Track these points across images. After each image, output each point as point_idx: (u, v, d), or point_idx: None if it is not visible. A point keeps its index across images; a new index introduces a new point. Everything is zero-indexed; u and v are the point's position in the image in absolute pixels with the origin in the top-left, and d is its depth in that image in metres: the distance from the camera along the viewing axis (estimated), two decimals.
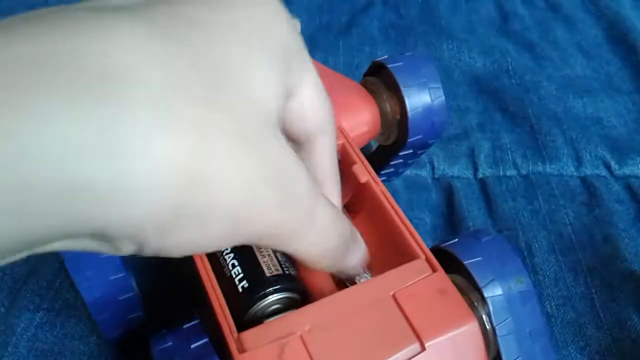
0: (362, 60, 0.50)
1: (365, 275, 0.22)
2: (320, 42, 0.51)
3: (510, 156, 0.41)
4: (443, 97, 0.28)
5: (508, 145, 0.42)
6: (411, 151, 0.30)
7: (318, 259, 0.19)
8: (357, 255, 0.21)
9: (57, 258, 0.33)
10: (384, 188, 0.23)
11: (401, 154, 0.30)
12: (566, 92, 0.47)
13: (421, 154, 0.32)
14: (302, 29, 0.60)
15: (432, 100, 0.28)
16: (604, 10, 0.56)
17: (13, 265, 0.33)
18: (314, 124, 0.20)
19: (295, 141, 0.21)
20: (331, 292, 0.21)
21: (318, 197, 0.18)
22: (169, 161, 0.13)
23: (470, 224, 0.36)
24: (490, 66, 0.50)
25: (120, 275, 0.25)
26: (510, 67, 0.49)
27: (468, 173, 0.40)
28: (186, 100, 0.13)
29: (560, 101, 0.46)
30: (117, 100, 0.12)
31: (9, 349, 0.29)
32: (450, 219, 0.37)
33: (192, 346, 0.20)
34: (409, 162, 0.33)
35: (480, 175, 0.40)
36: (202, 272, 0.21)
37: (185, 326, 0.21)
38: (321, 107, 0.20)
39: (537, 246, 0.35)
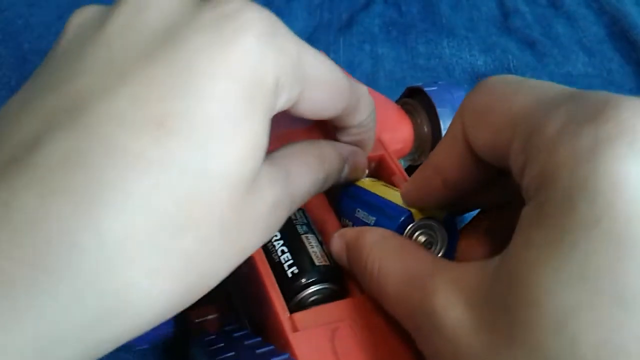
0: (362, 58, 0.50)
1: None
2: (321, 40, 0.51)
3: None
4: None
5: None
6: None
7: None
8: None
9: None
10: None
11: None
12: None
13: None
14: (302, 27, 0.59)
15: None
16: (606, 6, 0.56)
17: None
18: (333, 111, 0.20)
19: None
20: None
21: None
22: (164, 297, 0.15)
23: None
24: (492, 64, 0.50)
25: None
26: (511, 65, 0.49)
27: None
28: (161, 240, 0.14)
29: None
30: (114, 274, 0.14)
31: None
32: None
33: (235, 335, 0.21)
34: None
35: None
36: (257, 259, 0.21)
37: (226, 328, 0.22)
38: (339, 96, 0.20)
39: None
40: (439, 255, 0.22)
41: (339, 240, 0.22)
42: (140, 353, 0.28)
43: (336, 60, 0.49)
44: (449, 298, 0.16)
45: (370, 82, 0.47)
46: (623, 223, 0.13)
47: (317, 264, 0.22)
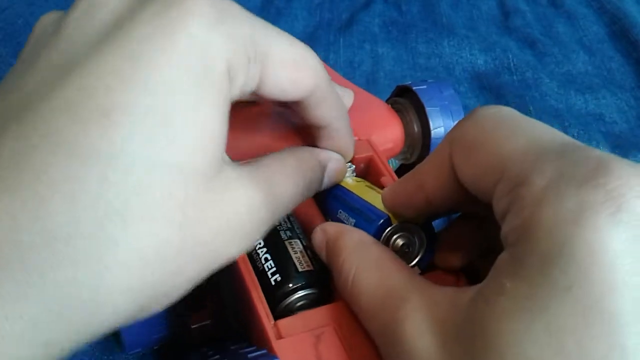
0: (363, 58, 0.50)
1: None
2: (321, 40, 0.51)
3: None
4: None
5: None
6: None
7: None
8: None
9: None
10: None
11: None
12: (568, 89, 0.47)
13: None
14: (302, 27, 0.59)
15: (453, 122, 0.29)
16: (606, 5, 0.56)
17: None
18: (302, 90, 0.19)
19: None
20: None
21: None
22: (121, 295, 0.15)
23: None
24: (492, 63, 0.50)
25: None
26: (511, 64, 0.49)
27: None
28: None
29: (562, 98, 0.46)
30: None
31: None
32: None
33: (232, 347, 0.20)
34: None
35: None
36: (239, 262, 0.21)
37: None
38: (306, 74, 0.19)
39: None
40: (417, 258, 0.22)
41: (320, 234, 0.21)
42: (135, 356, 0.28)
43: (336, 60, 0.49)
44: (419, 325, 0.16)
45: (370, 81, 0.47)
46: (595, 293, 0.13)
47: (300, 270, 0.21)
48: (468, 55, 0.50)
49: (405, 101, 0.31)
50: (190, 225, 0.15)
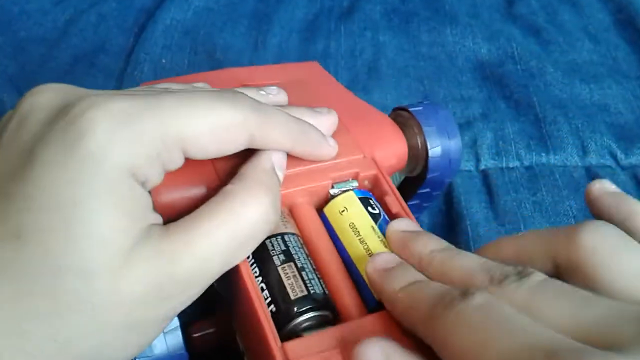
0: (364, 46, 0.49)
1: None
2: (322, 28, 0.50)
3: (513, 147, 0.41)
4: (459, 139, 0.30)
5: (511, 136, 0.41)
6: (428, 190, 0.31)
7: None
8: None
9: None
10: (413, 218, 0.24)
11: (419, 191, 0.31)
12: (573, 78, 0.46)
13: (436, 195, 0.32)
14: (302, 15, 0.58)
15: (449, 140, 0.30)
16: None
17: None
18: (234, 148, 0.20)
19: None
20: (360, 314, 0.21)
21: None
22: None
23: (468, 222, 0.36)
24: (495, 52, 0.49)
25: None
26: (515, 53, 0.49)
27: (470, 165, 0.40)
28: None
29: (566, 87, 0.45)
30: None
31: None
32: (449, 215, 0.37)
33: None
34: (424, 204, 0.33)
35: (482, 167, 0.40)
36: (249, 285, 0.21)
37: None
38: (231, 135, 0.20)
39: None
40: None
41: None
42: None
43: (337, 48, 0.49)
44: None
45: (372, 70, 0.47)
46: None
47: (292, 297, 0.21)
48: (471, 44, 0.49)
49: (408, 114, 0.30)
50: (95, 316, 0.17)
